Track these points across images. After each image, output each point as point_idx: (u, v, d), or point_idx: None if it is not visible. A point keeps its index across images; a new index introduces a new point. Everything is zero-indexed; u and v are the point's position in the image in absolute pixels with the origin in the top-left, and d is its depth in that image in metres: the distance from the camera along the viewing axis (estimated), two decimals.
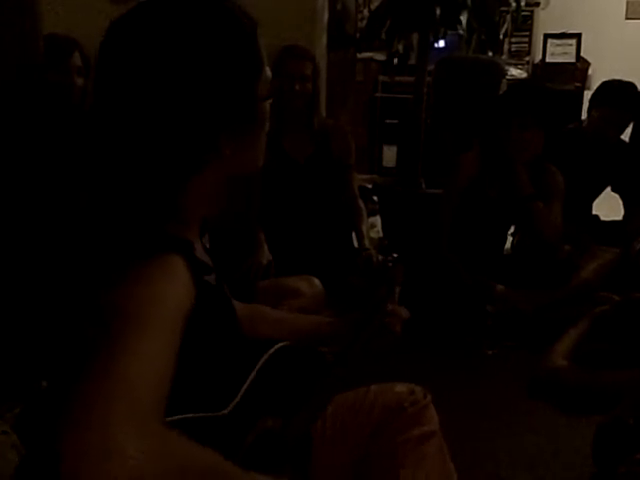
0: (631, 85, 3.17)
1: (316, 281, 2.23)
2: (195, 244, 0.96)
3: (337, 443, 1.27)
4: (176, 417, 0.83)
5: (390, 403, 1.26)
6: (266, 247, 2.62)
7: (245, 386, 0.97)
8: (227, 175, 0.96)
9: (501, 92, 4.09)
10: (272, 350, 1.03)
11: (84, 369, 0.72)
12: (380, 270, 1.38)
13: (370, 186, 3.99)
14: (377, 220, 3.73)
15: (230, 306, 1.08)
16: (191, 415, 0.87)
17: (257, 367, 0.99)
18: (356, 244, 2.90)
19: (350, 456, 1.25)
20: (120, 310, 0.76)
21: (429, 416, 1.27)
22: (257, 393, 0.98)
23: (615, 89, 3.15)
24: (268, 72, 0.95)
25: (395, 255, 1.26)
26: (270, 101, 0.96)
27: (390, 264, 1.26)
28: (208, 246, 1.06)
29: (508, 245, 3.18)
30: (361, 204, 2.94)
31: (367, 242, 2.82)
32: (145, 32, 0.88)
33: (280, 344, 1.06)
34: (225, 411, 0.93)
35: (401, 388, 1.30)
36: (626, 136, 3.44)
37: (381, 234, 3.67)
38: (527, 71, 5.75)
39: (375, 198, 3.85)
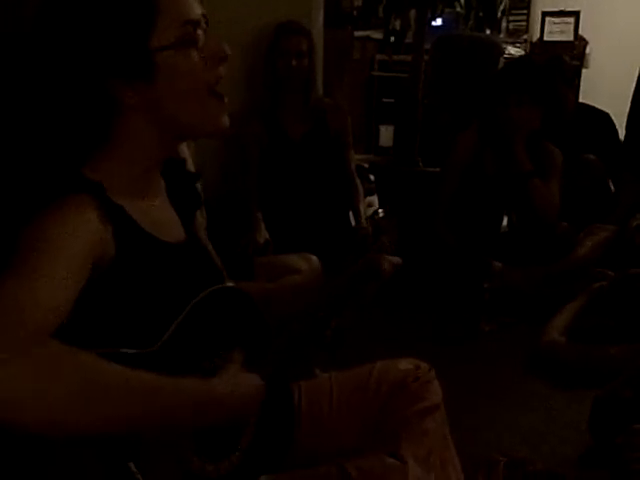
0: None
1: (314, 258, 2.23)
2: (144, 194, 1.04)
3: (345, 423, 1.27)
4: (106, 349, 0.87)
5: (395, 380, 1.27)
6: (263, 225, 2.62)
7: (174, 325, 0.97)
8: (147, 121, 1.00)
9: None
10: (206, 292, 1.02)
11: None
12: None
13: (367, 165, 3.97)
14: (375, 199, 3.72)
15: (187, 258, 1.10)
16: (123, 350, 0.90)
17: (188, 307, 0.99)
18: (353, 222, 2.90)
19: (358, 434, 1.25)
20: (24, 244, 0.86)
21: (432, 390, 1.27)
22: (190, 333, 0.98)
23: None
24: (169, 22, 0.96)
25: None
26: (181, 50, 0.97)
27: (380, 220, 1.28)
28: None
29: (505, 223, 3.18)
30: (358, 182, 2.93)
31: (364, 220, 2.82)
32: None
33: (215, 286, 1.06)
34: (154, 348, 0.94)
35: (406, 365, 1.30)
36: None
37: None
38: (525, 49, 5.70)
39: (372, 177, 3.84)
